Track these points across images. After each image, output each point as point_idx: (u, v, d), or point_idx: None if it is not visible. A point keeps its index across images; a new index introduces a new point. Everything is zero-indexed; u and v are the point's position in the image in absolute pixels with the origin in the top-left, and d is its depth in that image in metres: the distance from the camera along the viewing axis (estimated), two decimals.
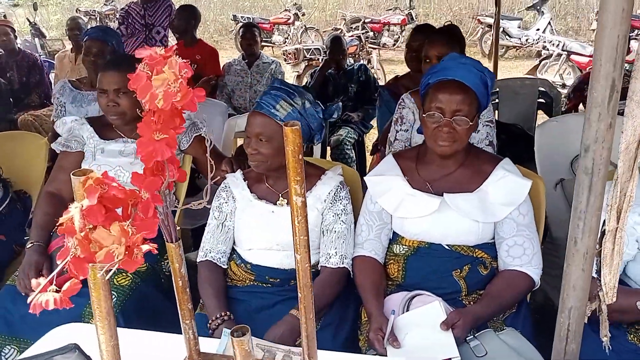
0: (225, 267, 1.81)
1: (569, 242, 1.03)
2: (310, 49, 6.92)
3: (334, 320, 1.65)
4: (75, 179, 0.73)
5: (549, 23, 11.29)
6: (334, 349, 1.53)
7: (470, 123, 1.54)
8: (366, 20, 10.13)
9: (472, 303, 1.59)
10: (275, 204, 1.77)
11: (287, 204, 1.76)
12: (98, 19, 13.04)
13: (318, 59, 6.61)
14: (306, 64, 6.70)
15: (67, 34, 5.06)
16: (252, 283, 1.76)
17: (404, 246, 1.68)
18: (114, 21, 13.51)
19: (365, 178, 1.77)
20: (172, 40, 5.40)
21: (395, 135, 2.56)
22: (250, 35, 4.61)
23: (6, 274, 2.24)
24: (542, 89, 3.14)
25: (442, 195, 1.62)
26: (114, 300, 1.80)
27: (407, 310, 1.53)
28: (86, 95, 3.34)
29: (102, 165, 2.12)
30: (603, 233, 1.02)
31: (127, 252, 0.71)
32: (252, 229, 1.76)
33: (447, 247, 1.62)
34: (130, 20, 4.76)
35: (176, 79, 0.73)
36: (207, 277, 1.76)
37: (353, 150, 3.92)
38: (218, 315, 1.61)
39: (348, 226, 1.74)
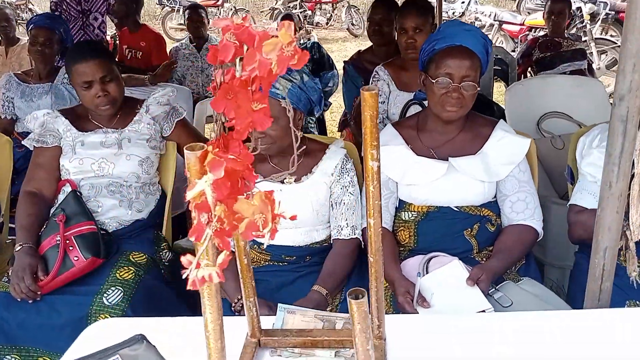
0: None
1: (602, 187, 1.11)
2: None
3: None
4: (191, 154, 0.71)
5: None
6: None
7: (478, 88, 1.60)
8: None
9: (484, 260, 1.68)
10: (282, 182, 1.76)
11: (295, 181, 1.76)
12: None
13: None
14: None
15: None
16: (267, 263, 1.75)
17: (413, 212, 1.73)
18: (25, 12, 12.65)
19: None
20: (111, 27, 5.16)
21: None
22: (197, 17, 4.48)
23: None
24: (498, 55, 3.28)
25: (447, 160, 1.68)
26: (120, 295, 1.76)
27: (427, 272, 1.59)
28: (36, 89, 3.15)
29: (85, 158, 2.02)
30: (632, 176, 1.11)
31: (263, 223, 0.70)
32: None
33: (455, 208, 1.69)
34: (64, 7, 4.46)
35: (290, 42, 0.71)
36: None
37: (316, 129, 3.93)
38: (241, 296, 1.60)
39: (356, 197, 1.77)
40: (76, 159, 2.02)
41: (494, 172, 1.67)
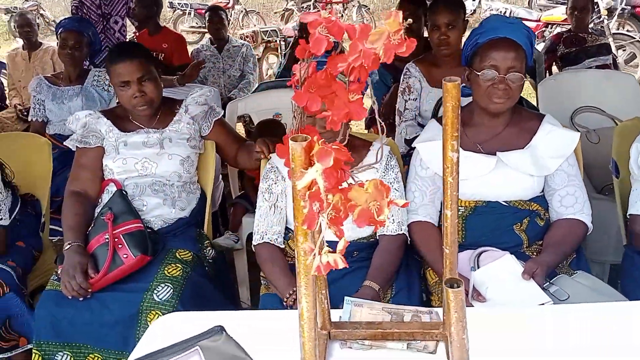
0: (283, 246, 1.80)
1: None
2: (267, 30, 6.82)
3: (404, 285, 1.69)
4: (297, 145, 0.72)
5: None
6: None
7: (524, 79, 1.60)
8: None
9: (534, 254, 1.68)
10: None
11: None
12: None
13: (276, 41, 6.53)
14: (264, 46, 6.61)
15: (17, 31, 4.74)
16: None
17: (460, 207, 1.73)
18: (38, 17, 12.74)
19: (415, 144, 1.81)
20: (131, 30, 5.19)
21: (405, 105, 2.61)
22: (218, 19, 4.51)
23: (29, 279, 2.12)
24: None
25: (494, 154, 1.68)
26: (170, 292, 1.78)
27: (479, 267, 1.60)
28: (66, 91, 3.19)
29: (128, 158, 2.05)
30: None
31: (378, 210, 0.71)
32: None
33: (504, 203, 1.70)
34: (84, 11, 4.50)
35: (398, 30, 0.72)
36: (268, 257, 1.75)
37: None
38: (293, 290, 1.61)
39: (401, 194, 1.78)
40: (120, 159, 2.05)
41: (543, 166, 1.67)
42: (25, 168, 2.31)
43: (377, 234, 1.78)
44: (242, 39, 6.97)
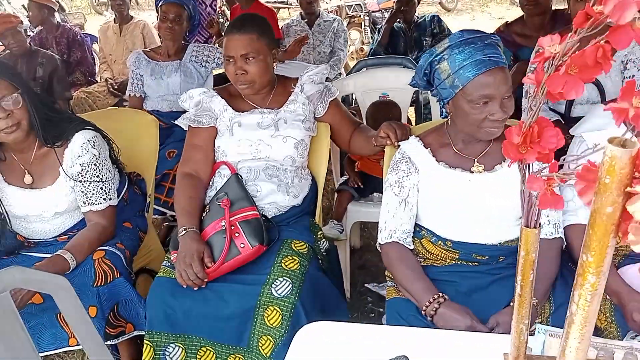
0: (412, 247, 1.62)
1: None
2: (352, 5, 6.57)
3: (564, 300, 1.47)
4: (621, 153, 0.53)
5: None
6: None
7: None
8: None
9: None
10: (470, 171, 1.56)
11: (483, 169, 1.56)
12: None
13: (360, 16, 6.28)
14: (347, 21, 6.37)
15: (110, 3, 4.76)
16: (455, 262, 1.57)
17: None
18: None
19: (578, 133, 1.56)
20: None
21: None
22: None
23: (134, 262, 2.06)
24: None
25: None
26: (289, 287, 1.64)
27: None
28: (165, 66, 3.12)
29: (242, 139, 1.92)
30: None
31: None
32: (446, 202, 1.56)
33: None
34: None
35: None
36: (399, 259, 1.57)
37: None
38: (433, 298, 1.43)
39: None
40: (234, 141, 1.92)
41: None
42: (131, 146, 2.23)
43: None
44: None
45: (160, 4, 3.06)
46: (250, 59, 1.85)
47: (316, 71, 2.05)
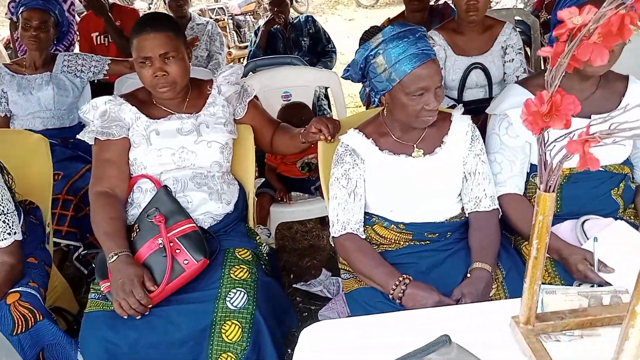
0: (364, 236, 1.62)
1: None
2: (214, 8, 6.42)
3: (510, 264, 1.58)
4: None
5: None
6: None
7: None
8: None
9: (630, 218, 1.63)
10: (411, 156, 1.61)
11: (423, 153, 1.62)
12: None
13: (224, 20, 6.16)
14: None
15: None
16: (409, 243, 1.61)
17: None
18: None
19: (500, 111, 1.68)
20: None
21: None
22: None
23: (47, 299, 1.80)
24: (518, 17, 3.25)
25: (588, 117, 1.60)
26: (245, 297, 1.56)
27: (587, 237, 1.52)
28: (33, 80, 2.78)
29: (163, 149, 1.77)
30: None
31: None
32: (393, 187, 1.60)
33: (601, 168, 1.62)
34: None
35: None
36: (357, 249, 1.57)
37: (328, 106, 3.76)
38: (399, 281, 1.45)
39: (488, 165, 1.66)
40: (153, 151, 1.76)
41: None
42: (19, 171, 1.93)
43: (467, 212, 1.65)
44: None
45: (20, 10, 2.69)
46: (170, 58, 1.71)
47: (231, 71, 1.96)
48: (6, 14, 4.13)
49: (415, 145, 1.62)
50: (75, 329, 1.88)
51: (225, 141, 1.86)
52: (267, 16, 7.68)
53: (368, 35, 2.51)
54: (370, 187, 1.62)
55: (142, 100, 1.85)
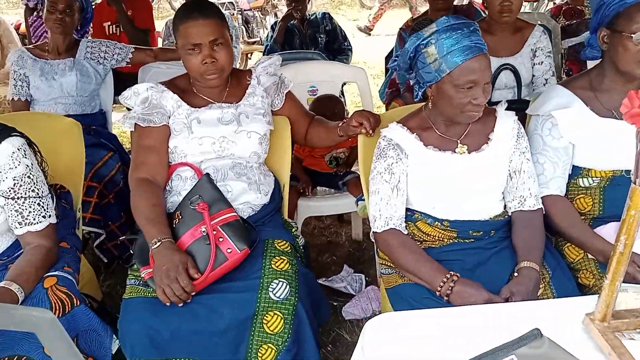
0: (406, 232, 1.62)
1: None
2: (224, 3, 6.40)
3: (554, 264, 1.58)
4: None
5: None
6: (575, 294, 1.49)
7: None
8: None
9: None
10: (454, 151, 1.61)
11: (467, 150, 1.61)
12: None
13: (234, 14, 6.14)
14: None
15: None
16: (454, 241, 1.60)
17: (595, 178, 1.65)
18: None
19: (543, 112, 1.68)
20: None
21: None
22: None
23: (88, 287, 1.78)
24: (540, 22, 3.27)
25: None
26: (287, 288, 1.55)
27: None
28: (56, 65, 2.75)
29: (204, 137, 1.76)
30: None
31: None
32: (438, 184, 1.59)
33: None
34: None
35: None
36: (402, 244, 1.56)
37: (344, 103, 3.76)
38: (447, 278, 1.45)
39: (532, 164, 1.66)
40: (194, 139, 1.75)
41: None
42: (50, 155, 1.90)
43: (511, 210, 1.65)
44: None
45: None
46: (219, 44, 1.70)
47: (269, 62, 1.95)
48: None
49: (459, 141, 1.61)
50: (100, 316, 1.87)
51: (264, 132, 1.85)
52: (275, 13, 7.70)
53: (418, 25, 2.50)
54: (412, 182, 1.61)
55: (182, 89, 1.83)
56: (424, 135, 1.62)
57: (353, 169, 2.51)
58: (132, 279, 1.64)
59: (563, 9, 3.79)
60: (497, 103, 2.47)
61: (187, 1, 1.94)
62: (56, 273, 1.56)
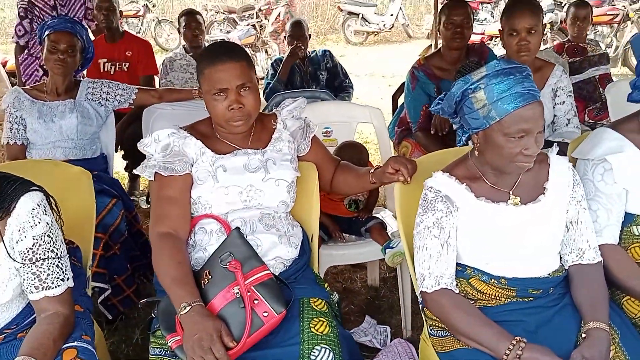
0: (457, 290, 1.49)
1: None
2: (217, 40, 6.35)
3: (619, 322, 1.45)
4: None
5: (400, 8, 12.10)
6: None
7: None
8: (262, 8, 9.29)
9: None
10: (507, 203, 1.50)
11: (520, 202, 1.50)
12: None
13: None
14: None
15: None
16: (512, 300, 1.47)
17: None
18: None
19: (607, 157, 1.58)
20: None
21: None
22: (196, 25, 4.03)
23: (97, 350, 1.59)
24: (548, 60, 3.25)
25: None
26: (331, 356, 1.42)
27: None
28: (55, 107, 2.61)
29: (230, 187, 1.63)
30: None
31: None
32: (492, 238, 1.47)
33: None
34: (36, 13, 3.83)
35: None
36: (456, 305, 1.43)
37: None
38: (512, 344, 1.32)
39: (588, 213, 1.56)
40: (220, 189, 1.62)
41: None
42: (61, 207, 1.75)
43: (568, 264, 1.54)
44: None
45: (47, 32, 2.54)
46: (247, 88, 1.60)
47: (295, 105, 1.84)
48: (12, 37, 3.96)
49: (511, 192, 1.51)
50: None
51: (292, 179, 1.73)
52: (265, 49, 7.68)
53: (465, 68, 2.41)
54: (463, 236, 1.49)
55: (205, 134, 1.71)
56: (474, 186, 1.51)
57: (374, 213, 2.39)
58: (156, 347, 1.47)
59: (566, 46, 3.80)
60: None
61: (214, 43, 1.84)
62: (75, 344, 1.39)
